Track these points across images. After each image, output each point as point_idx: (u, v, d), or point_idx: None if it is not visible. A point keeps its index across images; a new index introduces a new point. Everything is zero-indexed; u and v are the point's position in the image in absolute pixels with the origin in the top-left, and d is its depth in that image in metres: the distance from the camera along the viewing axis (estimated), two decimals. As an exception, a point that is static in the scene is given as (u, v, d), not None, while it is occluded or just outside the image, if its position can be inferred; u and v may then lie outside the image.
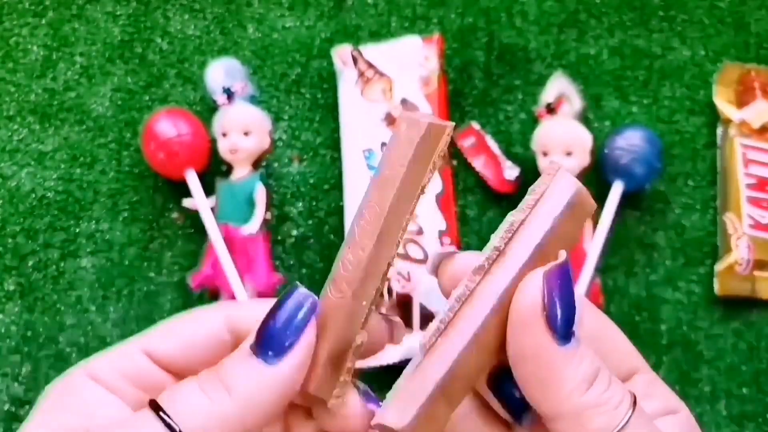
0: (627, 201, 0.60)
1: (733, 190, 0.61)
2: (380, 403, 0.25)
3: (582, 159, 0.59)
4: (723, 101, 0.63)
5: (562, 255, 0.24)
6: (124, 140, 0.64)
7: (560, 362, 0.23)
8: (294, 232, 0.62)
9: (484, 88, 0.65)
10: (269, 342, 0.24)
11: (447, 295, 0.26)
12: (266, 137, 0.61)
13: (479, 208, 0.62)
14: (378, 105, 0.61)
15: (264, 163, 0.62)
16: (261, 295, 0.58)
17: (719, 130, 0.63)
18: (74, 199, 0.63)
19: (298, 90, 0.65)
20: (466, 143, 0.63)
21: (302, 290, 0.25)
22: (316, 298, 0.26)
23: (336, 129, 0.63)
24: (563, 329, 0.23)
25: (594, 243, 0.58)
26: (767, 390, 0.58)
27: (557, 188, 0.26)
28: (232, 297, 0.58)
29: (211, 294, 0.60)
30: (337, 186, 0.63)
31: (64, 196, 0.63)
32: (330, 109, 0.64)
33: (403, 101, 0.61)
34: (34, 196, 0.63)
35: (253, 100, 0.62)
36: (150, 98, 0.65)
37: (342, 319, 0.26)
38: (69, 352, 0.60)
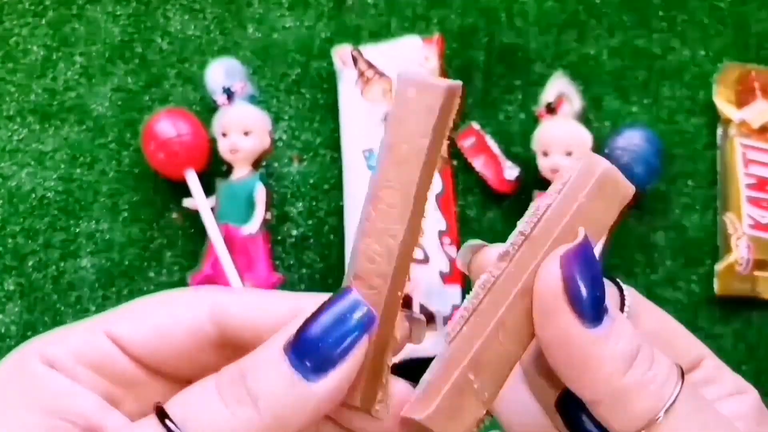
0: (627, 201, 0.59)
1: (733, 190, 0.61)
2: None
3: (582, 159, 0.59)
4: (723, 101, 0.63)
5: (581, 233, 0.22)
6: (124, 140, 0.64)
7: (592, 345, 0.21)
8: (294, 232, 0.62)
9: (484, 88, 0.65)
10: (312, 352, 0.20)
11: None
12: (266, 137, 0.61)
13: (479, 208, 0.62)
14: (378, 105, 0.61)
15: (264, 163, 0.62)
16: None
17: (719, 130, 0.63)
18: (74, 199, 0.63)
19: (298, 90, 0.65)
20: (466, 143, 0.63)
21: (356, 295, 0.22)
22: (374, 310, 0.22)
23: (336, 129, 0.63)
24: (591, 310, 0.21)
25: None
26: None
27: (584, 169, 0.23)
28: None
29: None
30: (337, 186, 0.63)
31: (64, 196, 0.63)
32: (330, 109, 0.64)
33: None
34: (34, 196, 0.63)
35: (253, 100, 0.62)
36: (150, 98, 0.65)
37: (379, 317, 0.23)
38: (69, 352, 0.60)
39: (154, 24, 0.67)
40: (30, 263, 0.62)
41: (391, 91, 0.62)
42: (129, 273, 0.62)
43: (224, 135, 0.60)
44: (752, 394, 0.26)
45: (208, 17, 0.67)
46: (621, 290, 0.26)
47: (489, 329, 0.23)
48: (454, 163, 0.63)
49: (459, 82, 0.23)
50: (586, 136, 0.59)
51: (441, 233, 0.59)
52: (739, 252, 0.60)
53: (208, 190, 0.60)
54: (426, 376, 0.23)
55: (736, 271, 0.60)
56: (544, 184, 0.60)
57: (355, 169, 0.61)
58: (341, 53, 0.63)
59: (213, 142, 0.61)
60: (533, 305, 0.22)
